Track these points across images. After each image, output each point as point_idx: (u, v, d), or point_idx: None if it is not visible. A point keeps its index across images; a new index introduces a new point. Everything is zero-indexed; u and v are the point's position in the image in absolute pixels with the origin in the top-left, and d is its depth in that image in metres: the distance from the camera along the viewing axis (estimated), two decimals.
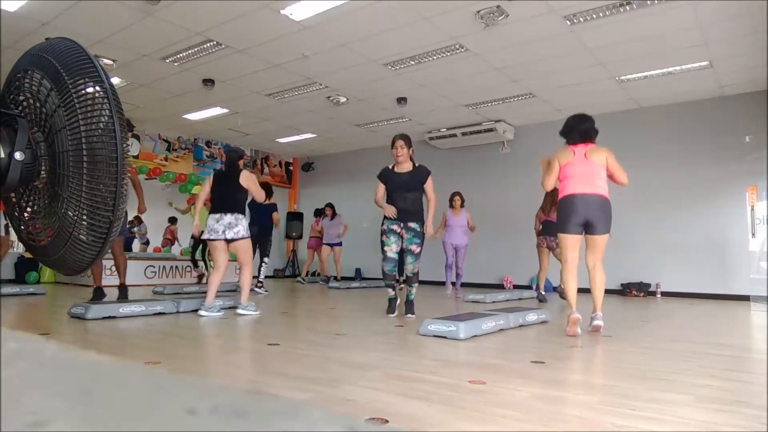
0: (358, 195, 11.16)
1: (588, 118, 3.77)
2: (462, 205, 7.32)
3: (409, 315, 4.38)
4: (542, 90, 7.49)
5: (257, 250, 7.33)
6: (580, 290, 3.64)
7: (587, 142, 3.69)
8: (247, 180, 4.52)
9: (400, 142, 4.39)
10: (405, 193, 4.34)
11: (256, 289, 6.94)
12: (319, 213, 10.11)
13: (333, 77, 7.16)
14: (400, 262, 4.47)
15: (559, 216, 3.70)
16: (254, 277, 7.77)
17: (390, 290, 4.56)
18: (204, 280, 8.01)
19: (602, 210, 3.51)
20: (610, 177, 3.65)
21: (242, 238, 4.42)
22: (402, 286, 5.05)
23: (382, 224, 4.42)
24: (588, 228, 3.56)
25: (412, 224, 4.32)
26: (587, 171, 3.57)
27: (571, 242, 3.59)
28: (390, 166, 4.50)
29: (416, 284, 4.46)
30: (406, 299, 4.52)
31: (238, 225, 4.40)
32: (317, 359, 2.54)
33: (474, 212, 7.85)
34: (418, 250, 4.35)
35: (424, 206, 4.45)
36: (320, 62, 6.60)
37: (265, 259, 7.30)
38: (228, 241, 4.43)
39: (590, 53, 6.16)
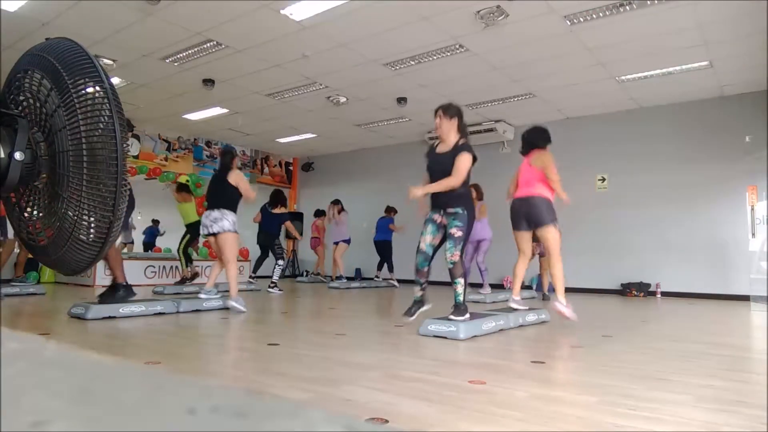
0: (358, 195, 11.16)
1: (533, 129, 4.33)
2: (480, 198, 6.70)
3: (453, 317, 3.44)
4: (542, 90, 7.49)
5: (269, 255, 7.66)
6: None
7: (534, 150, 4.23)
8: (236, 178, 4.72)
9: (439, 112, 3.57)
10: (442, 177, 3.49)
11: (270, 290, 7.12)
12: (320, 213, 10.09)
13: (333, 77, 7.16)
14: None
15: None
16: (263, 279, 7.88)
17: (416, 288, 3.73)
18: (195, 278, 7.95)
19: (535, 207, 4.05)
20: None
21: (226, 231, 4.58)
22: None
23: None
24: (531, 225, 4.15)
25: (451, 209, 3.55)
26: (527, 176, 4.16)
27: (520, 237, 4.22)
28: (435, 144, 3.70)
29: (460, 279, 3.54)
30: (454, 299, 3.58)
31: (223, 219, 4.58)
32: (317, 359, 2.54)
33: None
34: (459, 233, 3.50)
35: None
36: (320, 62, 6.60)
37: (279, 262, 7.42)
38: (215, 236, 4.64)
39: (590, 53, 6.16)
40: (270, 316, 4.54)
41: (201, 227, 4.78)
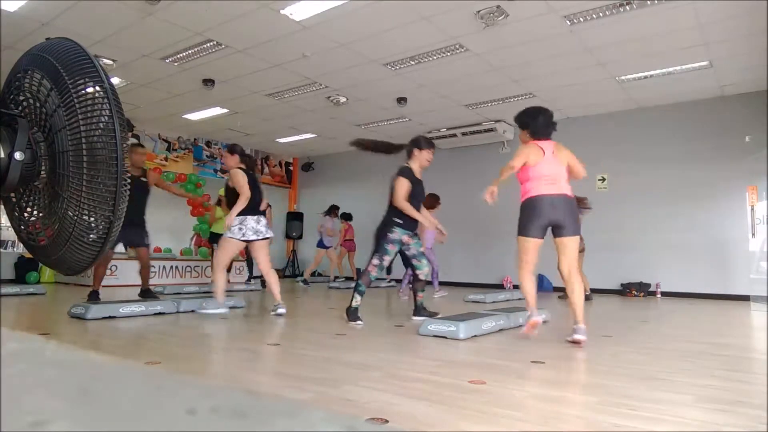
0: (358, 195, 11.16)
1: (548, 112, 3.67)
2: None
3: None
4: (542, 90, 7.48)
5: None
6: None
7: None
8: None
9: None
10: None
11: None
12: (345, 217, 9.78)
13: (333, 77, 7.16)
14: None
15: (520, 218, 3.49)
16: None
17: (359, 298, 4.13)
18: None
19: (570, 210, 3.30)
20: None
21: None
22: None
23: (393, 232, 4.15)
24: (555, 230, 3.37)
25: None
26: (554, 171, 3.38)
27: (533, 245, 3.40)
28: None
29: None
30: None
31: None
32: (317, 359, 2.54)
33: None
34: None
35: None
36: (320, 62, 6.60)
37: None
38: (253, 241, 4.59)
39: (590, 53, 6.16)
40: (270, 316, 4.54)
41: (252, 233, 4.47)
